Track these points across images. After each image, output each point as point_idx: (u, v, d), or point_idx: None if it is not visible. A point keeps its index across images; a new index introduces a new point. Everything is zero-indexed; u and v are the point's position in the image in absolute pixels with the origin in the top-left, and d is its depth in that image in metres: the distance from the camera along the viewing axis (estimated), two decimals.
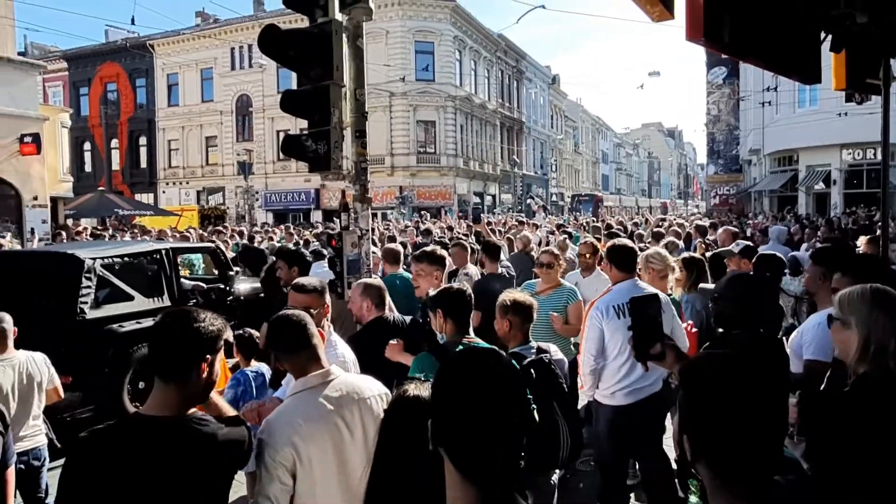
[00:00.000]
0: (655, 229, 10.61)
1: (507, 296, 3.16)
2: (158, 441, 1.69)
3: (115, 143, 40.28)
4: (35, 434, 3.67)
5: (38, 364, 3.76)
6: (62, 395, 4.05)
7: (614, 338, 3.52)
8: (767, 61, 4.59)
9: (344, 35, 4.05)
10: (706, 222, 13.87)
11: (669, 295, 4.17)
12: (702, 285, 4.46)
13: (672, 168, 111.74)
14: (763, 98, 28.38)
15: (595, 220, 15.11)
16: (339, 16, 4.07)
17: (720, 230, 7.02)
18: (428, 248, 3.95)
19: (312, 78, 4.07)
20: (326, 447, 2.06)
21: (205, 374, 1.80)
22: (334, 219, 23.09)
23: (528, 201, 37.04)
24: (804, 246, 9.28)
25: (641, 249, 5.13)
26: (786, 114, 28.08)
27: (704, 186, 58.51)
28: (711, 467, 1.15)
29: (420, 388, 1.80)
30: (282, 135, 35.15)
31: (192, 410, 1.80)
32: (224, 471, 1.82)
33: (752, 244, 5.74)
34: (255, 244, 12.00)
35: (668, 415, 3.93)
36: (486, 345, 2.68)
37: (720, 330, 2.84)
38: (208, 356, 1.79)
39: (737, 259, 5.08)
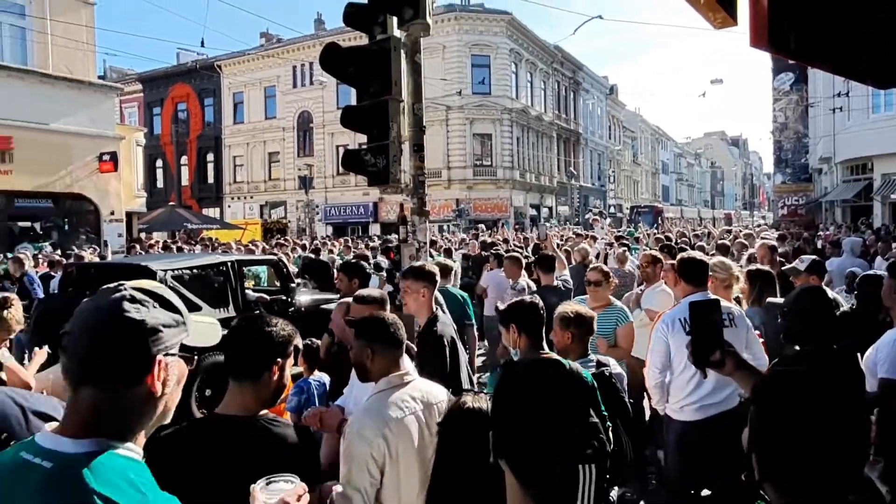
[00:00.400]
0: (720, 241, 10.23)
1: (569, 308, 3.14)
2: (232, 439, 1.77)
3: (184, 159, 42.15)
4: None
5: None
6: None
7: (680, 351, 3.42)
8: (838, 66, 4.41)
9: (402, 51, 4.13)
10: (773, 234, 13.32)
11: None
12: (770, 300, 4.28)
13: (736, 178, 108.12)
14: (834, 104, 27.14)
15: (656, 231, 14.72)
16: (397, 32, 4.15)
17: (757, 244, 6.30)
18: (417, 263, 3.61)
19: (371, 93, 4.16)
20: (412, 443, 2.17)
21: (276, 377, 1.87)
22: (393, 233, 23.40)
23: (587, 215, 36.55)
24: (878, 259, 8.81)
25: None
26: (859, 120, 26.76)
27: (771, 196, 56.36)
28: (780, 488, 1.11)
29: (477, 401, 1.82)
30: (341, 150, 35.97)
31: (264, 412, 1.88)
32: (290, 470, 1.88)
33: (818, 259, 5.43)
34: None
35: None
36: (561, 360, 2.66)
37: (795, 347, 2.71)
38: (279, 359, 1.87)
39: (804, 277, 4.79)
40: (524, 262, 6.76)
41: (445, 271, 5.63)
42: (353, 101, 4.43)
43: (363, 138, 4.34)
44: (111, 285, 1.24)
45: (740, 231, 16.40)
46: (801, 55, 3.93)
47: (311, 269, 9.35)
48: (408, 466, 2.14)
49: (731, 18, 3.89)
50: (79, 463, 1.06)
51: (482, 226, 28.58)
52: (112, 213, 17.06)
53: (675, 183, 79.20)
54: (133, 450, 1.16)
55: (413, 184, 4.31)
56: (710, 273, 4.07)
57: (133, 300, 1.18)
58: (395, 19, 4.16)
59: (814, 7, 3.75)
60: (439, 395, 2.38)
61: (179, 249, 16.82)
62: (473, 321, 5.85)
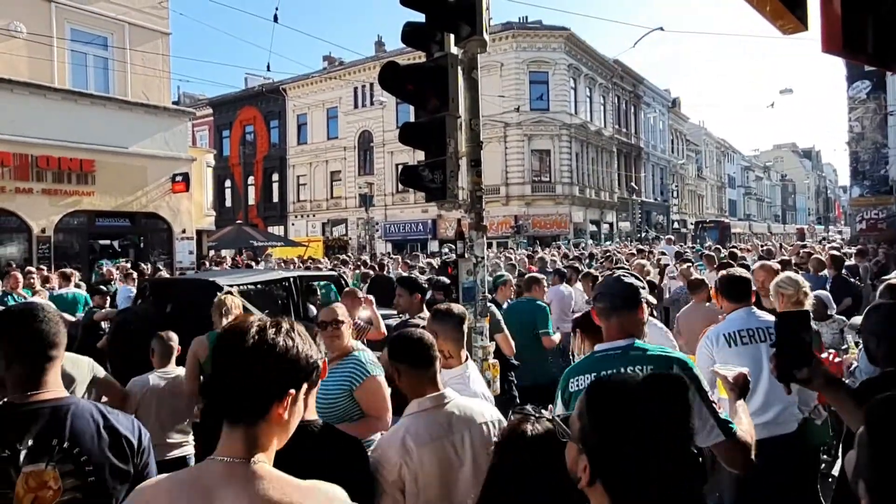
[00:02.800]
0: (781, 258, 9.62)
1: None
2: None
3: (251, 179, 43.71)
4: (183, 444, 4.03)
5: None
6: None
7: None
8: None
9: (459, 67, 4.16)
10: (851, 249, 12.61)
11: None
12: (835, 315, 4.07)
13: (809, 191, 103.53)
14: None
15: (710, 249, 14.14)
16: (454, 50, 4.19)
17: (756, 266, 5.67)
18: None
19: (429, 110, 4.21)
20: (435, 471, 2.09)
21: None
22: (446, 248, 23.54)
23: (646, 232, 35.72)
24: None
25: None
26: None
27: (848, 210, 53.61)
28: None
29: (538, 425, 1.73)
30: (400, 168, 36.48)
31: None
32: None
33: None
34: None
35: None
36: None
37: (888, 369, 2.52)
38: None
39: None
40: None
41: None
42: (412, 119, 4.50)
43: (422, 156, 4.38)
44: None
45: (817, 247, 15.55)
46: (878, 60, 3.73)
47: (376, 285, 9.45)
48: (432, 495, 2.08)
49: (802, 24, 3.72)
50: None
51: (539, 245, 28.34)
52: (184, 231, 17.82)
53: (743, 197, 76.47)
54: None
55: (471, 199, 4.31)
56: (778, 290, 3.91)
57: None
58: (452, 37, 4.20)
59: (892, 9, 3.56)
60: (485, 412, 2.29)
61: (248, 266, 17.45)
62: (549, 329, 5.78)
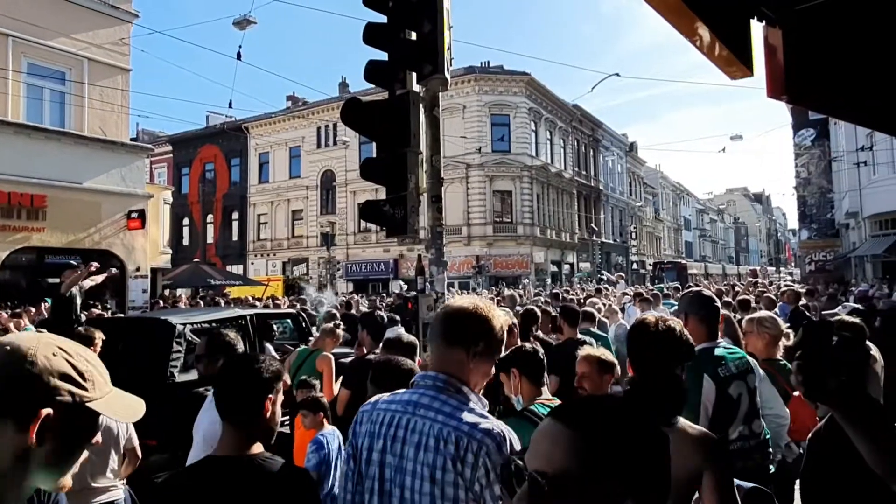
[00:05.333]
0: (741, 297, 9.90)
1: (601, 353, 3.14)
2: (227, 480, 1.77)
3: (210, 218, 43.06)
4: (111, 488, 3.77)
5: (117, 422, 3.89)
6: (139, 455, 4.13)
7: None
8: (858, 116, 4.39)
9: (421, 105, 4.21)
10: (802, 289, 13.06)
11: (780, 361, 3.94)
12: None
13: (761, 234, 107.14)
14: (858, 158, 27.03)
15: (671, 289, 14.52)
16: (416, 87, 4.25)
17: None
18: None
19: (391, 146, 4.23)
20: None
21: (268, 414, 1.87)
22: (398, 285, 23.46)
23: (603, 275, 36.35)
24: None
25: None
26: (885, 174, 26.55)
27: (798, 252, 55.58)
28: None
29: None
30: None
31: (259, 450, 1.87)
32: None
33: (861, 307, 5.29)
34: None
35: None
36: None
37: None
38: (270, 395, 1.88)
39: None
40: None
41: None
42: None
43: (384, 196, 4.39)
44: None
45: (768, 284, 16.07)
46: (820, 106, 3.92)
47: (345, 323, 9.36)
48: None
49: (748, 69, 3.89)
50: None
51: (504, 284, 28.49)
52: (138, 270, 17.32)
53: (699, 239, 78.65)
54: None
55: (431, 235, 4.31)
56: (761, 328, 3.99)
57: None
58: (414, 75, 4.26)
59: (832, 56, 3.75)
60: None
61: (209, 304, 17.01)
62: None
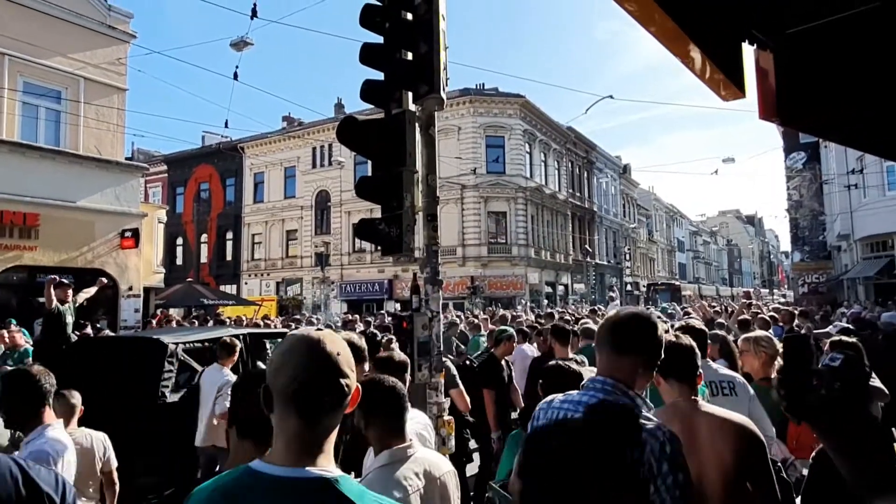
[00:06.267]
0: (741, 318, 9.98)
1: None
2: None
3: (204, 237, 42.98)
4: None
5: (97, 442, 3.85)
6: (116, 480, 4.05)
7: None
8: (849, 138, 4.45)
9: (416, 124, 4.23)
10: (795, 310, 13.10)
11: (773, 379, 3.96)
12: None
13: (754, 256, 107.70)
14: (848, 181, 27.28)
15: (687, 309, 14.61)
16: (412, 107, 4.28)
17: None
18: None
19: (386, 165, 4.24)
20: None
21: None
22: (391, 306, 23.30)
23: (610, 293, 36.50)
24: None
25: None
26: (876, 196, 26.80)
27: (791, 275, 55.82)
28: None
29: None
30: None
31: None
32: None
33: (850, 327, 5.31)
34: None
35: None
36: None
37: None
38: None
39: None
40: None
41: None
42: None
43: (379, 216, 4.40)
44: None
45: (761, 305, 16.11)
46: (811, 128, 3.96)
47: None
48: None
49: (740, 91, 3.94)
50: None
51: (499, 305, 28.44)
52: (130, 289, 17.21)
53: (692, 261, 78.93)
54: None
55: (426, 253, 4.31)
56: (759, 347, 4.02)
57: None
58: (410, 94, 4.29)
59: (823, 79, 3.80)
60: (442, 465, 2.27)
61: (202, 323, 16.89)
62: None
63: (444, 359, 5.93)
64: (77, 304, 7.81)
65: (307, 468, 1.29)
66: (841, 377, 1.86)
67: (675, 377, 2.50)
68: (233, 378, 5.71)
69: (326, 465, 1.32)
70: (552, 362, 3.28)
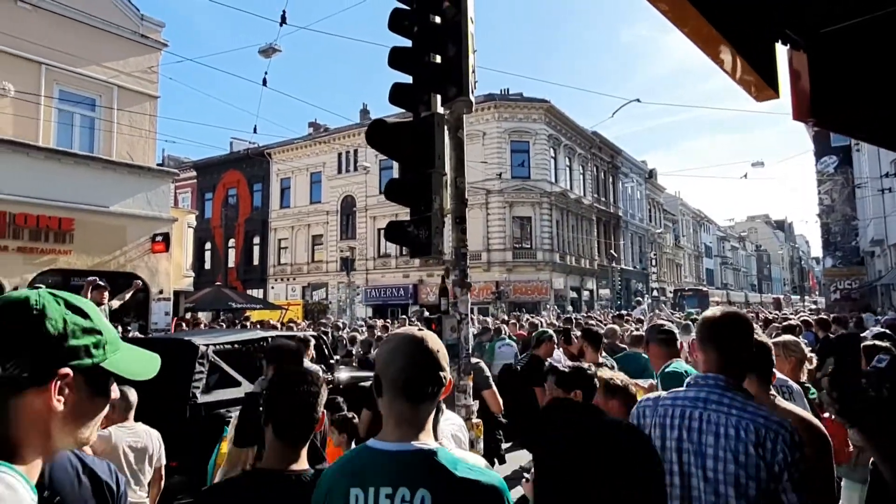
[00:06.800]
0: (787, 323, 9.62)
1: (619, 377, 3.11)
2: (271, 493, 1.81)
3: (232, 242, 43.57)
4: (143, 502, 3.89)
5: (154, 440, 4.01)
6: (163, 476, 4.24)
7: None
8: (885, 139, 4.35)
9: (445, 126, 4.25)
10: (830, 317, 12.83)
11: (803, 383, 3.89)
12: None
13: (783, 262, 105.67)
14: (882, 185, 26.67)
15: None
16: (440, 109, 4.30)
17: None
18: None
19: (415, 167, 4.26)
20: None
21: (320, 429, 2.03)
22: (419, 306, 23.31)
23: (637, 298, 36.20)
24: None
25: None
26: None
27: (822, 281, 54.62)
28: None
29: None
30: (382, 233, 36.82)
31: (304, 466, 1.92)
32: None
33: (889, 332, 5.18)
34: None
35: None
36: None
37: None
38: (323, 411, 2.01)
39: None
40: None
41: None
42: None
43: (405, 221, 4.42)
44: None
45: (794, 313, 15.82)
46: (846, 128, 3.88)
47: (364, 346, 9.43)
48: None
49: (773, 91, 3.88)
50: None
51: (523, 310, 28.33)
52: (161, 292, 17.52)
53: (720, 266, 77.76)
54: None
55: (455, 256, 4.32)
56: (788, 352, 3.96)
57: None
58: (438, 97, 4.31)
59: (859, 79, 3.74)
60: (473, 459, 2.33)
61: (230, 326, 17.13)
62: None
63: (476, 360, 5.96)
64: (112, 308, 7.99)
65: (412, 443, 1.54)
66: (889, 379, 1.91)
67: (757, 373, 2.56)
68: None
69: (426, 440, 1.57)
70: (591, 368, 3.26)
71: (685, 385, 2.13)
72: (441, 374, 1.61)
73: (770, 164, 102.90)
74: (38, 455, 1.12)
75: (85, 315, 1.15)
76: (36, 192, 14.65)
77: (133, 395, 4.05)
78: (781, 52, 3.58)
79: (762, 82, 3.54)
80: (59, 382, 1.08)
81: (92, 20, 16.21)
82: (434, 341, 1.65)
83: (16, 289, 14.68)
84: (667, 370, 4.07)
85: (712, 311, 2.27)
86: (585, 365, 3.13)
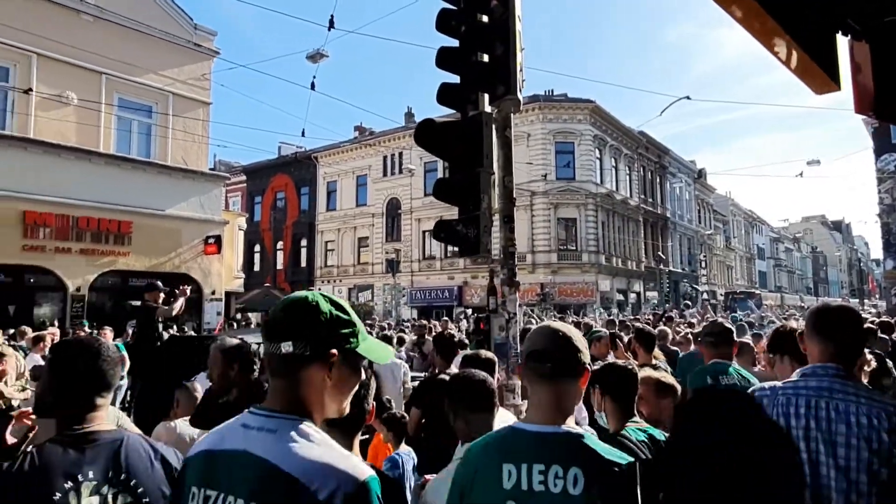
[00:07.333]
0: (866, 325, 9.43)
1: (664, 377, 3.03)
2: None
3: (280, 244, 44.48)
4: None
5: None
6: None
7: None
8: None
9: (493, 125, 4.26)
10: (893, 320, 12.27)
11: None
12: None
13: (841, 264, 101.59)
14: None
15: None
16: (488, 108, 4.31)
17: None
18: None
19: (464, 166, 4.28)
20: None
21: (371, 418, 2.06)
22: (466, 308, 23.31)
23: (686, 301, 35.43)
24: None
25: None
26: None
27: (882, 283, 52.33)
28: None
29: None
30: (427, 234, 37.01)
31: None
32: None
33: None
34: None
35: None
36: (656, 431, 2.47)
37: None
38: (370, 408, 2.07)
39: None
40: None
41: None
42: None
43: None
44: None
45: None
46: None
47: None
48: None
49: (834, 83, 3.74)
50: None
51: (570, 312, 28.03)
52: (213, 293, 18.04)
53: (773, 269, 75.32)
54: None
55: (503, 255, 4.32)
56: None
57: None
58: (486, 96, 4.32)
59: None
60: None
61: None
62: None
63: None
64: (171, 315, 8.30)
65: (561, 426, 1.66)
66: None
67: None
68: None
69: (571, 424, 1.69)
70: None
71: (798, 375, 2.18)
72: (583, 362, 1.74)
73: (827, 162, 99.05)
74: (320, 417, 1.41)
75: (345, 311, 1.45)
76: (97, 197, 15.30)
77: (198, 391, 4.16)
78: (842, 43, 3.46)
79: (823, 75, 3.42)
80: (330, 360, 1.38)
81: (149, 30, 16.84)
82: (575, 332, 1.78)
83: (78, 289, 15.38)
84: (698, 368, 4.10)
85: (825, 303, 2.35)
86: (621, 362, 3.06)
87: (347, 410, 1.46)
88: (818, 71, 3.40)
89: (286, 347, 1.35)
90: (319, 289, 41.78)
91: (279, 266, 44.11)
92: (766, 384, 2.27)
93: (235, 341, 3.12)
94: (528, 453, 1.63)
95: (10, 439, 1.88)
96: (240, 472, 1.28)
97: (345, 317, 1.44)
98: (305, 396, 1.38)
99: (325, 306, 1.41)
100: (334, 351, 1.38)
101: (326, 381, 1.38)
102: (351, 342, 1.42)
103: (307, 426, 1.34)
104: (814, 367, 2.16)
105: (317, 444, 1.31)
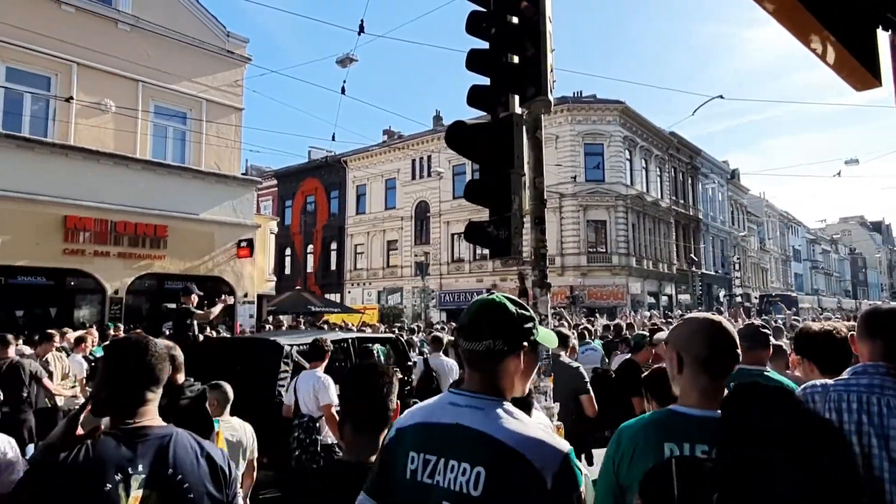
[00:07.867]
0: None
1: None
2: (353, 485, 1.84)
3: (310, 248, 44.98)
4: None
5: (248, 433, 4.20)
6: (255, 468, 4.41)
7: None
8: None
9: (524, 127, 4.25)
10: None
11: None
12: None
13: (881, 266, 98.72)
14: None
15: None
16: (518, 110, 4.30)
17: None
18: None
19: (495, 167, 4.28)
20: None
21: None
22: None
23: (718, 305, 34.79)
24: None
25: None
26: None
27: None
28: None
29: None
30: (456, 237, 37.06)
31: None
32: None
33: None
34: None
35: None
36: None
37: None
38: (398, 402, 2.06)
39: None
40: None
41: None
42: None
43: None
44: None
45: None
46: None
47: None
48: None
49: (876, 80, 3.63)
50: None
51: (600, 315, 27.77)
52: (245, 296, 18.32)
53: (810, 271, 73.54)
54: None
55: (534, 256, 4.30)
56: None
57: None
58: (516, 98, 4.32)
59: None
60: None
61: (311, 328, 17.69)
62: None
63: (577, 365, 5.91)
64: (208, 320, 8.50)
65: (716, 411, 1.73)
66: None
67: None
68: (325, 377, 5.94)
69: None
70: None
71: (849, 373, 2.25)
72: (737, 352, 1.83)
73: (865, 161, 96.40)
74: (510, 397, 1.63)
75: (525, 308, 1.67)
76: (134, 201, 15.67)
77: (230, 390, 4.24)
78: (883, 38, 3.37)
79: (862, 70, 3.34)
80: (521, 352, 1.62)
81: (183, 38, 17.22)
82: (729, 325, 1.88)
83: (116, 292, 15.77)
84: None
85: (875, 306, 2.46)
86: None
87: (526, 391, 1.72)
88: (858, 67, 3.32)
89: (488, 345, 1.59)
90: (349, 292, 42.22)
91: (309, 269, 44.60)
92: (818, 381, 2.34)
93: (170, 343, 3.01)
94: (689, 435, 1.73)
95: (80, 430, 1.95)
96: (458, 441, 1.52)
97: (526, 313, 1.66)
98: (502, 382, 1.61)
99: (512, 307, 1.64)
100: (525, 343, 1.62)
101: (519, 368, 1.63)
102: (532, 334, 1.66)
103: (508, 405, 1.58)
104: (864, 366, 2.24)
105: (521, 421, 1.54)
